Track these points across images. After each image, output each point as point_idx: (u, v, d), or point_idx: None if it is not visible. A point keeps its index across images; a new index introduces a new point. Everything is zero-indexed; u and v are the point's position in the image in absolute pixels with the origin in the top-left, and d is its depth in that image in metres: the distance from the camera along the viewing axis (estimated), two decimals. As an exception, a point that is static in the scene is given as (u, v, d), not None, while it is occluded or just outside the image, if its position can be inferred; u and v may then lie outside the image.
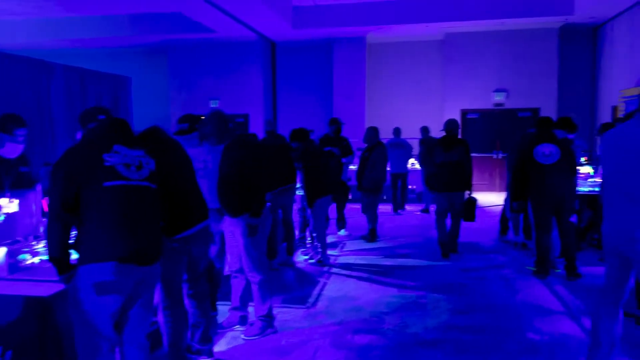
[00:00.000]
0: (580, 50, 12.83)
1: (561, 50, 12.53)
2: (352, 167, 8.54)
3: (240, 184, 3.79)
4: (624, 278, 3.00)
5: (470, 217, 6.55)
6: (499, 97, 12.71)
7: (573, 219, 5.66)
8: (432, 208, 7.84)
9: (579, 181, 6.18)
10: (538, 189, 5.40)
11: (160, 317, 3.21)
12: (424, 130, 10.06)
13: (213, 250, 4.11)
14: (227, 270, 4.40)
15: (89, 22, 12.13)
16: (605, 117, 11.41)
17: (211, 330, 3.59)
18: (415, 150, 10.61)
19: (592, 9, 10.79)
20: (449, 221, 6.63)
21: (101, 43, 13.42)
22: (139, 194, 2.55)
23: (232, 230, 3.94)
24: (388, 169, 10.32)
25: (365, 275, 5.69)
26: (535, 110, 12.20)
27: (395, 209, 9.93)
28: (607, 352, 3.08)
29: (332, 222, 7.90)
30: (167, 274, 3.06)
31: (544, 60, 12.45)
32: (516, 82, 12.61)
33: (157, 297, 3.09)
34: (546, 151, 5.33)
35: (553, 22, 11.96)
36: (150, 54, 14.62)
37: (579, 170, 5.82)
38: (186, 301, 3.36)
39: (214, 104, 13.49)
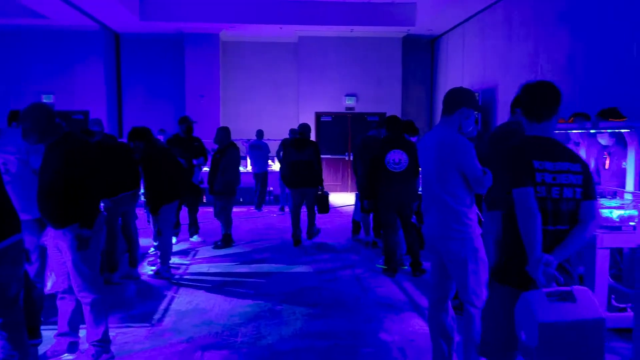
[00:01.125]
0: (421, 60, 13.88)
1: (404, 59, 13.41)
2: (205, 168, 8.13)
3: (67, 190, 3.24)
4: (446, 274, 3.12)
5: (324, 209, 7.08)
6: (349, 102, 13.20)
7: (414, 219, 5.99)
8: (288, 208, 7.89)
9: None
10: (385, 192, 5.66)
11: (-43, 357, 2.60)
12: (292, 131, 10.07)
13: (32, 269, 3.49)
14: (49, 288, 3.79)
15: None
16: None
17: (29, 364, 3.01)
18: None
19: (431, 22, 11.72)
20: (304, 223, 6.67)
21: None
22: None
23: (57, 244, 3.37)
24: (249, 170, 10.28)
25: (218, 284, 5.37)
26: (382, 115, 12.86)
27: (257, 207, 10.33)
28: (447, 349, 3.17)
29: (184, 228, 7.43)
30: (-37, 303, 2.48)
31: (389, 67, 13.22)
32: (365, 87, 13.21)
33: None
34: (396, 159, 5.60)
35: (397, 32, 12.75)
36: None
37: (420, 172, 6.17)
38: (-6, 333, 2.77)
39: (47, 99, 12.00)
